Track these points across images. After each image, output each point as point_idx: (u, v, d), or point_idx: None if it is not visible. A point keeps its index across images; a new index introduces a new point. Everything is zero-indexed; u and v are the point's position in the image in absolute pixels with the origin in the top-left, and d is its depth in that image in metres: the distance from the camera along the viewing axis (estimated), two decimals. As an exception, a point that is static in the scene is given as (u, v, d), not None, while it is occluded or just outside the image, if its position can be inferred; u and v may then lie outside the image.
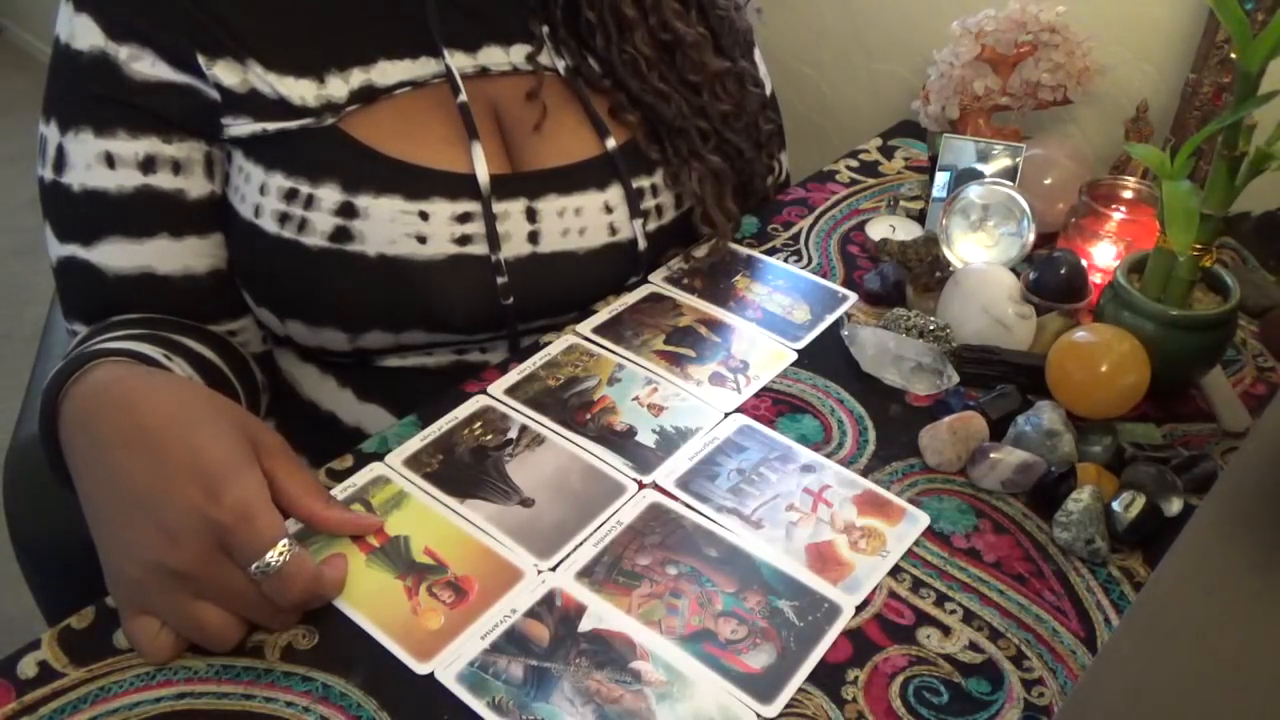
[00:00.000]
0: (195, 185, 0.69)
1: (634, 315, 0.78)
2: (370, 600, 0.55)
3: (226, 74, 0.66)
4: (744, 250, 0.87)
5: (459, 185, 0.70)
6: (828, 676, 0.53)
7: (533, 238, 0.73)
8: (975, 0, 1.02)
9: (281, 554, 0.50)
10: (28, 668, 0.52)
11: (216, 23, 0.66)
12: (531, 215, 0.73)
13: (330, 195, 0.67)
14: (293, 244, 0.68)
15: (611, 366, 0.73)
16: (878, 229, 0.90)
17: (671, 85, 0.80)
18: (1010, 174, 0.86)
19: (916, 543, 0.60)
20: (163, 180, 0.68)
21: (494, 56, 0.75)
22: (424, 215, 0.68)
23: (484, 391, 0.70)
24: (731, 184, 0.84)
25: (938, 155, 0.88)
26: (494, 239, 0.71)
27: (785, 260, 0.86)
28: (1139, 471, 0.62)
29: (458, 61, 0.73)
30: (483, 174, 0.70)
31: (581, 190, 0.75)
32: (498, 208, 0.71)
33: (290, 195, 0.67)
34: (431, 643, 0.53)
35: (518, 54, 0.76)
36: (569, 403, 0.69)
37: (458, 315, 0.71)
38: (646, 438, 0.67)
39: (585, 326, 0.77)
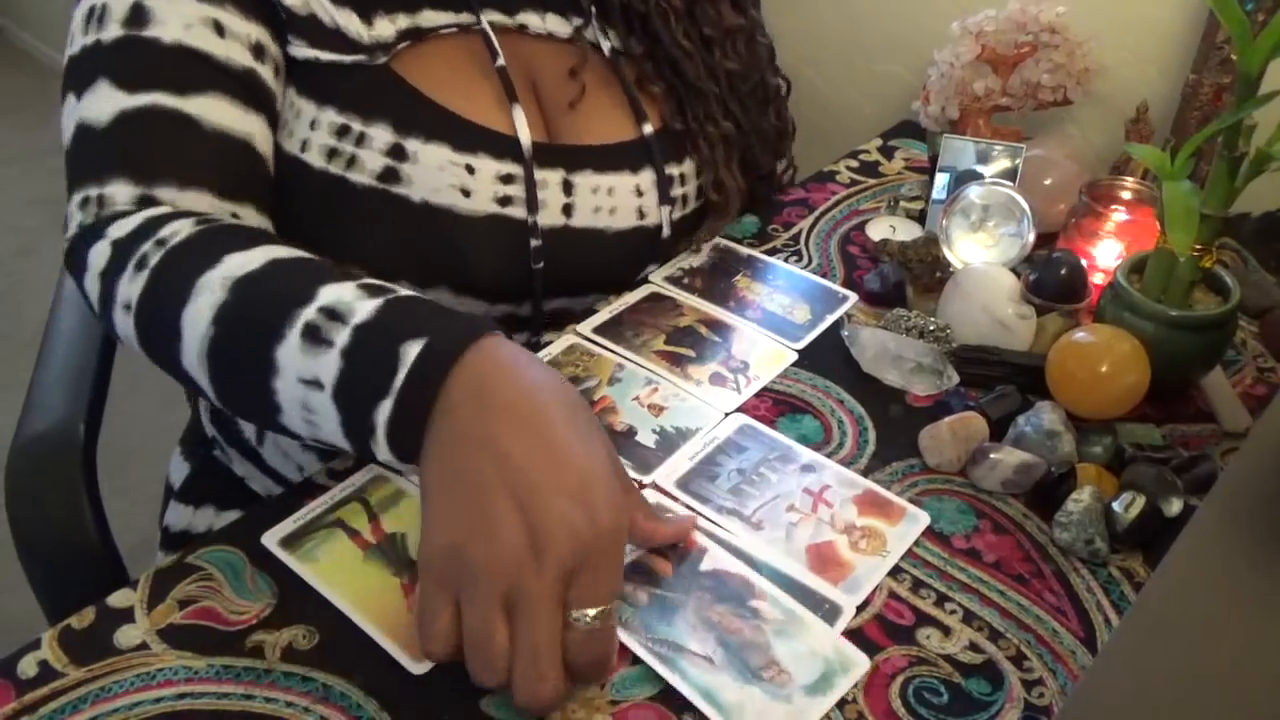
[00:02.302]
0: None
1: (634, 315, 0.78)
2: (367, 598, 0.56)
3: None
4: (744, 250, 0.87)
5: (503, 145, 0.71)
6: (828, 677, 0.53)
7: (567, 210, 0.74)
8: (975, 0, 1.02)
9: (604, 612, 0.45)
10: (28, 667, 0.52)
11: None
12: (568, 188, 0.74)
13: (382, 135, 0.67)
14: (338, 180, 0.68)
15: (612, 366, 0.73)
16: (878, 229, 0.90)
17: (693, 42, 0.81)
18: (1010, 174, 0.86)
19: (916, 543, 0.60)
20: (267, 75, 0.66)
21: (530, 20, 0.76)
22: (470, 169, 0.69)
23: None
24: (738, 152, 0.85)
25: (938, 156, 0.88)
26: (533, 203, 0.71)
27: (785, 260, 0.86)
28: (1139, 472, 0.62)
29: (493, 18, 0.73)
30: (525, 137, 0.71)
31: (616, 170, 0.77)
32: (538, 174, 0.72)
33: (342, 131, 0.67)
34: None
35: (554, 22, 0.77)
36: (569, 403, 0.69)
37: (487, 274, 0.72)
38: (646, 438, 0.67)
39: (585, 326, 0.77)
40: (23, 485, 0.75)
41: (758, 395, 0.71)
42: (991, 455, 0.64)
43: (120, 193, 0.61)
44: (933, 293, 0.80)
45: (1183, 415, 0.70)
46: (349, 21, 0.67)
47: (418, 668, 0.52)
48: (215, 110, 0.63)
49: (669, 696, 0.52)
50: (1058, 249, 0.81)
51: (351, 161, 0.68)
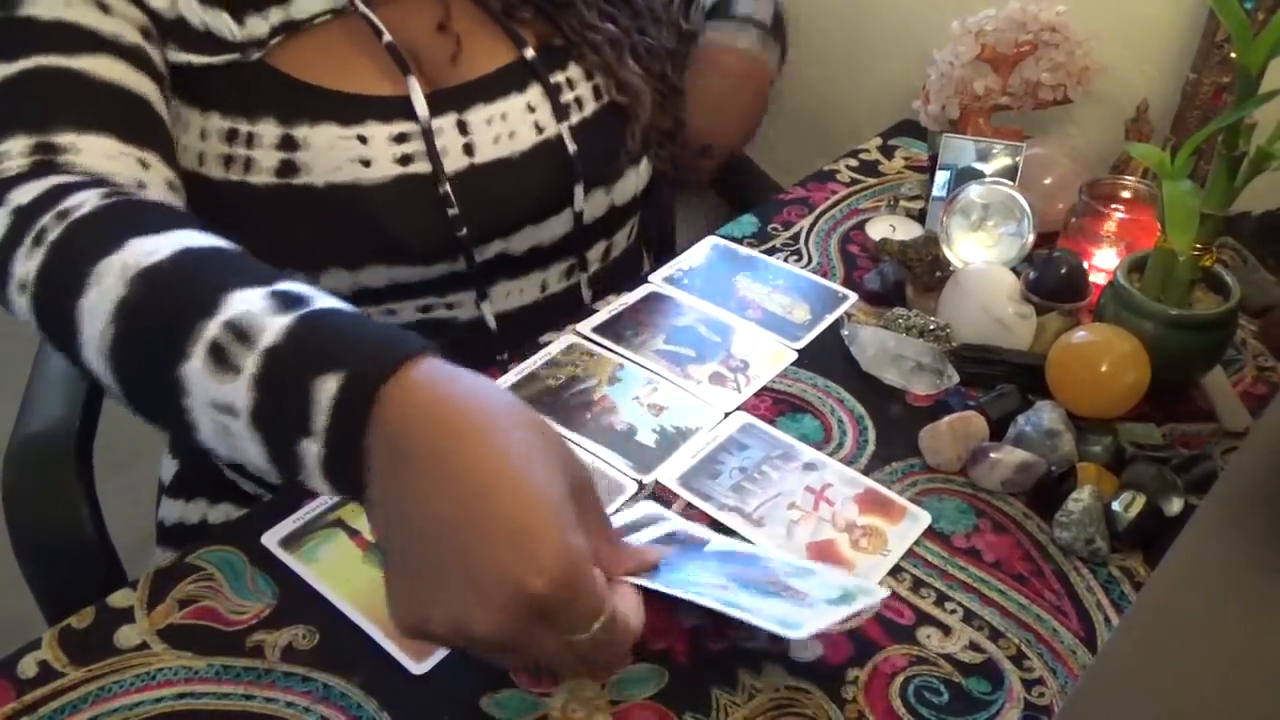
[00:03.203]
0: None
1: (634, 315, 0.78)
2: (367, 598, 0.56)
3: None
4: (744, 250, 0.87)
5: (390, 108, 0.70)
6: (828, 676, 0.53)
7: (468, 149, 0.73)
8: (975, 0, 1.02)
9: (600, 625, 0.43)
10: (28, 667, 0.52)
11: None
12: (463, 127, 0.73)
13: (269, 130, 0.67)
14: (241, 186, 0.67)
15: (612, 366, 0.73)
16: (878, 229, 0.90)
17: None
18: (1010, 174, 0.86)
19: (916, 542, 0.60)
20: (157, 56, 0.64)
21: None
22: (362, 139, 0.69)
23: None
24: (628, 51, 0.82)
25: (938, 155, 0.88)
26: (434, 155, 0.71)
27: (785, 260, 0.86)
28: (1139, 471, 0.62)
29: None
30: (421, 106, 0.70)
31: (504, 95, 0.75)
32: (432, 124, 0.71)
33: (231, 136, 0.67)
34: (428, 644, 0.53)
35: None
36: (569, 402, 0.69)
37: (411, 238, 0.71)
38: (646, 437, 0.67)
39: (585, 326, 0.77)
40: (20, 485, 0.75)
41: (757, 395, 0.71)
42: (991, 455, 0.64)
43: (15, 145, 0.57)
44: (933, 292, 0.80)
45: (1183, 414, 0.70)
46: (219, 21, 0.65)
47: (417, 667, 0.52)
48: (105, 67, 0.61)
49: (669, 696, 0.52)
50: (1058, 248, 0.81)
51: (249, 164, 0.67)
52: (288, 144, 0.67)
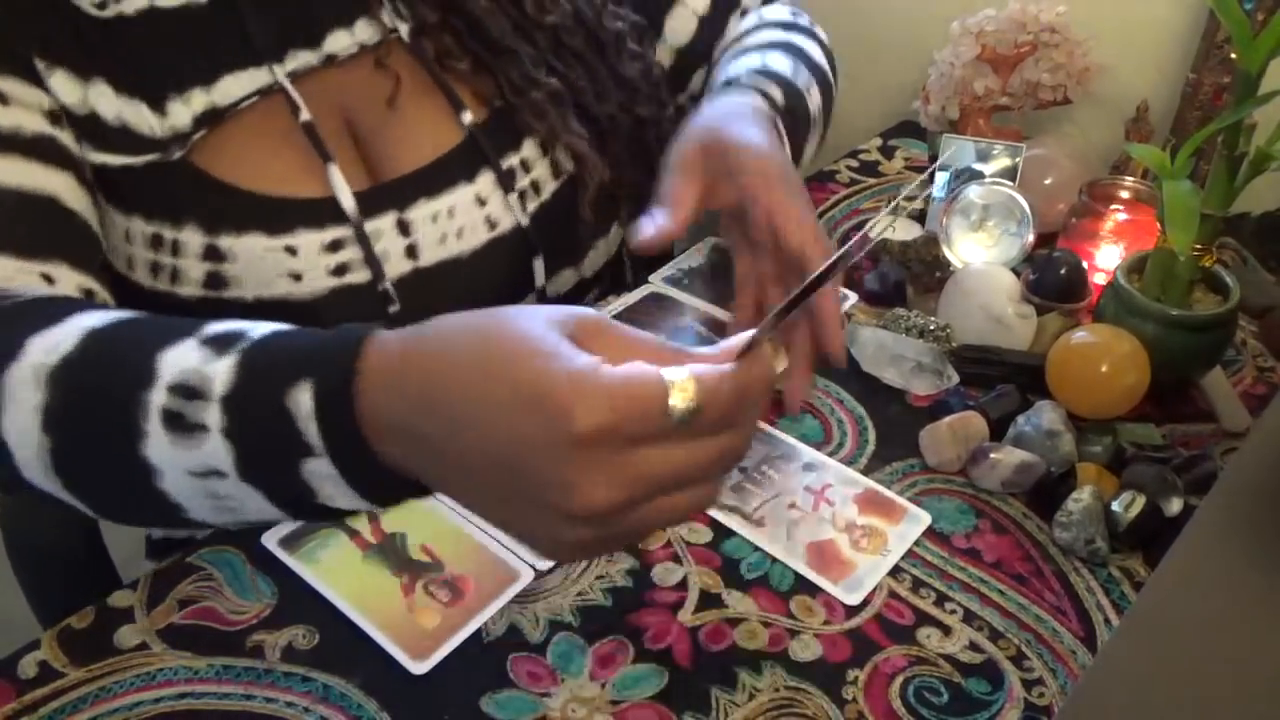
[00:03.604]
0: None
1: (634, 315, 0.78)
2: (367, 597, 0.56)
3: (66, 88, 0.58)
4: (744, 250, 0.87)
5: (320, 212, 0.64)
6: (828, 676, 0.53)
7: (410, 252, 0.67)
8: (975, 0, 1.02)
9: (684, 391, 0.37)
10: (28, 668, 0.52)
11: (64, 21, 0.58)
12: (404, 228, 0.67)
13: (194, 239, 0.61)
14: (169, 296, 0.62)
15: (611, 366, 0.73)
16: (878, 229, 0.90)
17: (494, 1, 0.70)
18: (1010, 174, 0.86)
19: (916, 543, 0.60)
20: (68, 140, 0.59)
21: (339, 41, 0.66)
22: (291, 250, 0.63)
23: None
24: (572, 109, 0.73)
25: (938, 155, 0.88)
26: (374, 262, 0.65)
27: (785, 260, 0.86)
28: (1139, 471, 0.62)
29: (300, 60, 0.65)
30: (346, 198, 0.64)
31: (450, 187, 0.69)
32: (368, 227, 0.65)
33: (155, 242, 0.62)
34: (427, 642, 0.53)
35: (364, 30, 0.67)
36: (569, 403, 0.69)
37: None
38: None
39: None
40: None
41: (758, 395, 0.71)
42: (991, 455, 0.64)
43: None
44: (933, 292, 0.80)
45: (1183, 415, 0.70)
46: (137, 115, 0.59)
47: (418, 667, 0.52)
48: (6, 170, 0.55)
49: (669, 696, 0.52)
50: (1058, 248, 0.81)
51: (175, 275, 0.62)
52: (213, 254, 0.62)
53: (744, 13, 0.87)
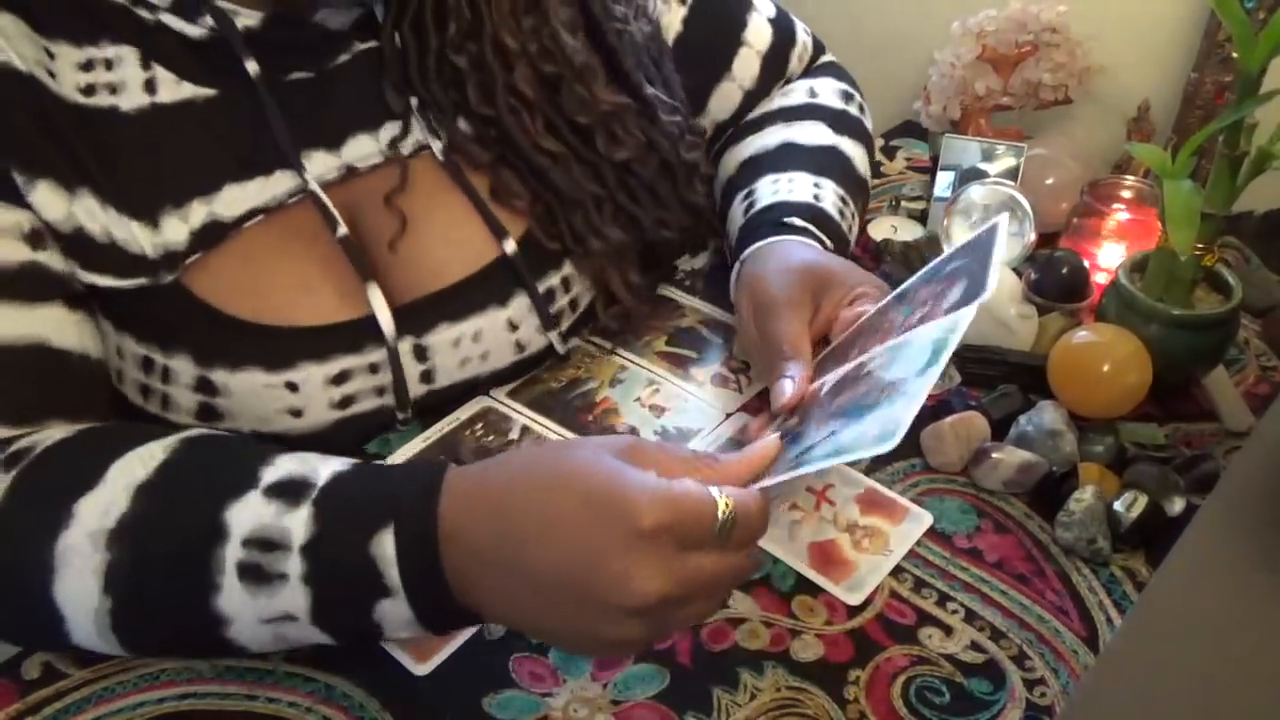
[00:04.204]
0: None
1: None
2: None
3: (49, 202, 0.53)
4: (745, 251, 0.87)
5: (329, 342, 0.59)
6: (829, 676, 0.53)
7: (426, 377, 0.63)
8: (975, 0, 1.02)
9: (727, 505, 0.43)
10: (31, 668, 0.52)
11: (47, 136, 0.53)
12: (421, 354, 0.62)
13: (185, 369, 0.57)
14: (159, 419, 0.59)
15: (614, 368, 0.73)
16: (880, 229, 0.90)
17: (559, 138, 0.65)
18: (1012, 174, 0.86)
19: (918, 543, 0.60)
20: (53, 260, 0.54)
21: (363, 148, 0.61)
22: (292, 386, 0.58)
23: (486, 393, 0.70)
24: (636, 255, 0.71)
25: (939, 155, 0.88)
26: (403, 394, 0.61)
27: (787, 261, 0.86)
28: (1141, 471, 0.62)
29: (319, 167, 0.59)
30: (387, 324, 0.59)
31: (479, 311, 0.63)
32: (374, 356, 0.60)
33: (146, 365, 0.58)
34: (429, 642, 0.53)
35: (390, 131, 0.62)
36: (571, 404, 0.69)
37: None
38: (649, 439, 0.67)
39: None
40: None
41: (759, 396, 0.71)
42: (993, 455, 0.64)
43: None
44: (934, 292, 0.80)
45: (1185, 414, 0.70)
46: (127, 232, 0.54)
47: (420, 668, 0.52)
48: None
49: (670, 696, 0.52)
50: (1059, 248, 0.81)
51: (166, 401, 0.58)
52: (205, 387, 0.57)
53: (787, 80, 0.85)
